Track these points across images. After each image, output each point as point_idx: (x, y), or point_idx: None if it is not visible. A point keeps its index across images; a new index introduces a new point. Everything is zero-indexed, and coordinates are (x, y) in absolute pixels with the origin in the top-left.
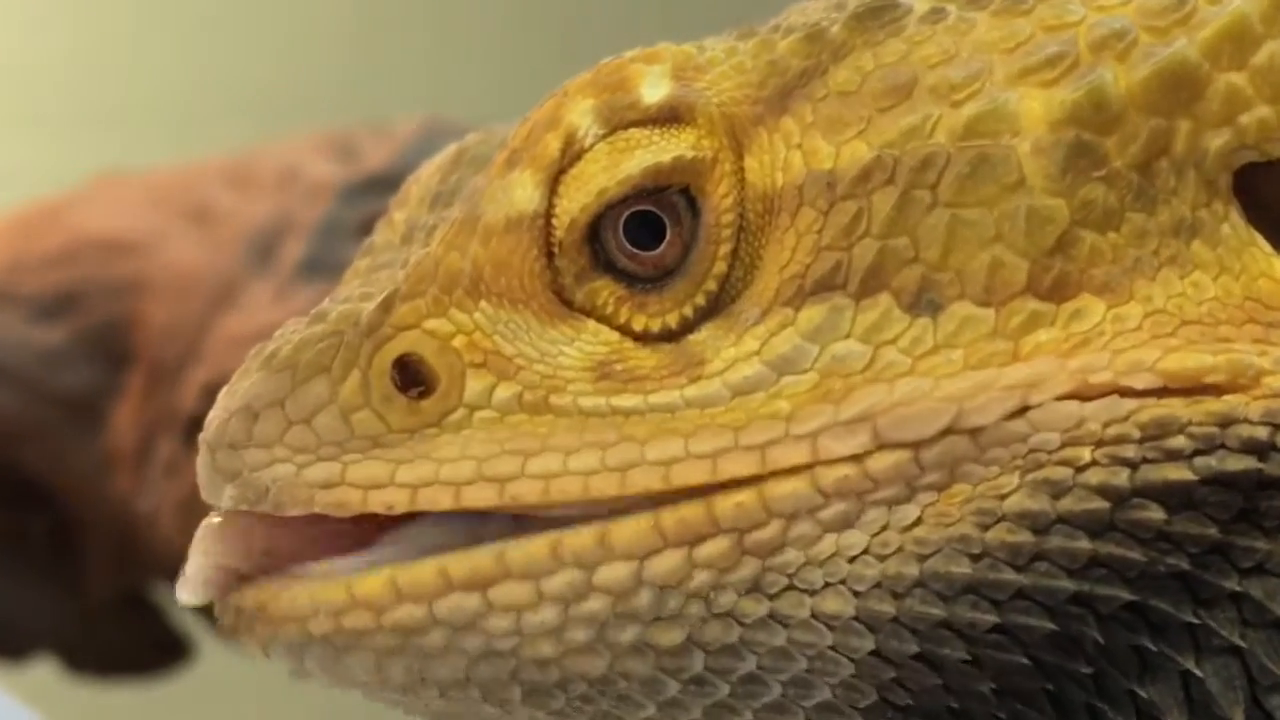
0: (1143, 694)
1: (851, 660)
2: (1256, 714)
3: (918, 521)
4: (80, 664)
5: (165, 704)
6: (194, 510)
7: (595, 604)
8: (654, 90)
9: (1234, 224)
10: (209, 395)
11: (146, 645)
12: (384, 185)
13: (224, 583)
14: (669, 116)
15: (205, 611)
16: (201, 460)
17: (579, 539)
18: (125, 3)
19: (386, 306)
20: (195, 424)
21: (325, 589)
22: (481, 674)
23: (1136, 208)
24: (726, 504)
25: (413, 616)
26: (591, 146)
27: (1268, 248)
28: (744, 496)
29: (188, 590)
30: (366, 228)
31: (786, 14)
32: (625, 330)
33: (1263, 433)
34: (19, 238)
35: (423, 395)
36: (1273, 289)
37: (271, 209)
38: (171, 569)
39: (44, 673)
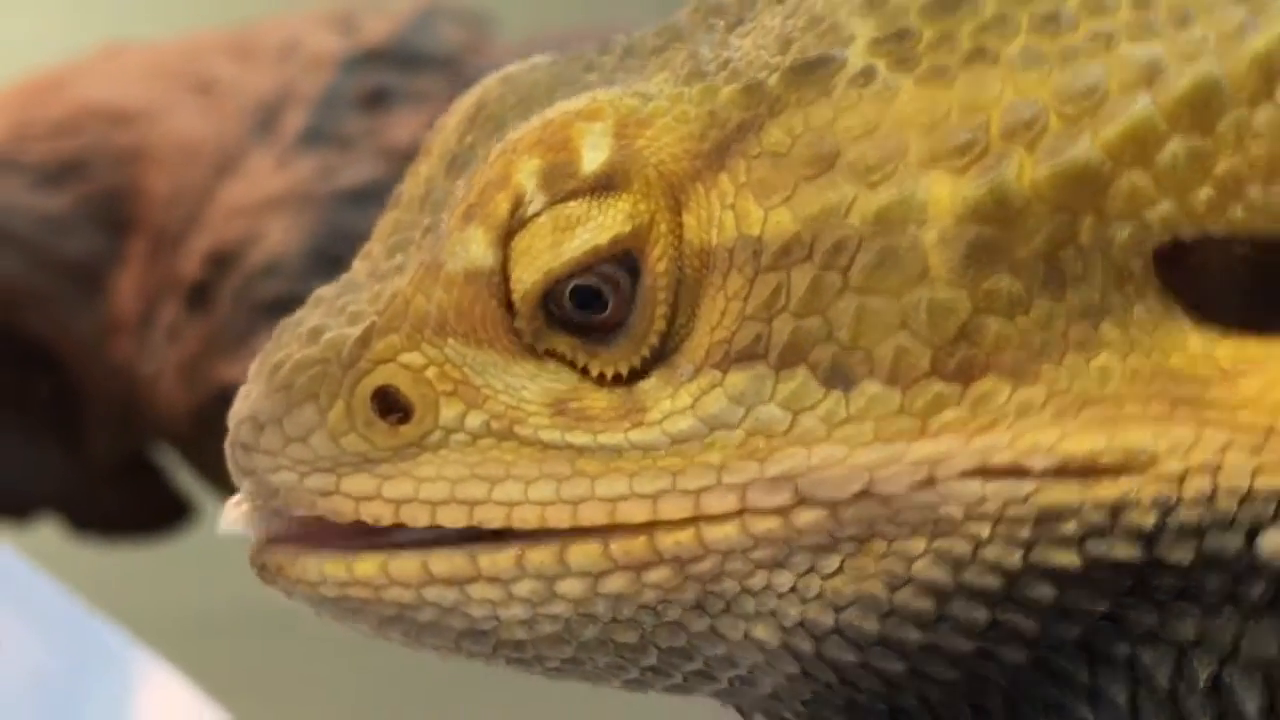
0: None
1: (783, 674)
2: None
3: (838, 571)
4: (84, 524)
5: (167, 564)
6: (195, 374)
7: (558, 607)
8: (594, 155)
9: (1149, 305)
10: (210, 262)
11: (148, 507)
12: (383, 58)
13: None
14: (606, 184)
15: (207, 475)
16: (226, 451)
17: (540, 555)
18: None
19: (364, 341)
20: (196, 290)
21: (330, 564)
22: (468, 645)
23: (1043, 294)
24: (667, 540)
25: (404, 597)
26: (535, 216)
27: (1188, 323)
28: (682, 535)
29: (229, 525)
30: (366, 99)
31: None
32: (584, 373)
33: (1151, 519)
34: (23, 106)
35: (401, 421)
36: (1184, 363)
37: (273, 80)
38: (172, 432)
39: (48, 533)
